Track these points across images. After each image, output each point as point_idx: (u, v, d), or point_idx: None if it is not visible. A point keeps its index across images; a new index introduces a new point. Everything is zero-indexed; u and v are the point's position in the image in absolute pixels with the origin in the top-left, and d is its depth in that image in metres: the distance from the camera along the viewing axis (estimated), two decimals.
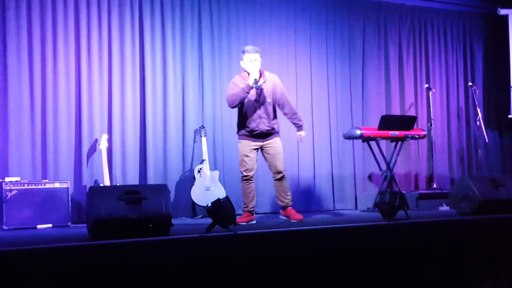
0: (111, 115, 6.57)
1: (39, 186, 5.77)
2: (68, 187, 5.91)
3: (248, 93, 5.41)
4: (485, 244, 4.61)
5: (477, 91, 8.32)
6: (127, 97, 6.64)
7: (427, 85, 8.18)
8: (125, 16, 6.69)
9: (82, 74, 6.45)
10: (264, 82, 5.56)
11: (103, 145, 6.25)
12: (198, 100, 7.06)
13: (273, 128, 5.63)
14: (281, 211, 5.86)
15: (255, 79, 5.41)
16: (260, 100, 5.54)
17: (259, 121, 5.54)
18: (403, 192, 5.72)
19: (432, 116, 7.96)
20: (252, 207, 5.65)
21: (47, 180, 5.98)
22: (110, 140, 6.46)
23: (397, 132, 6.86)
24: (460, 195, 5.59)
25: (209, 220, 4.40)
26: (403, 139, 6.97)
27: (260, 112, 5.54)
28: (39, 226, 5.64)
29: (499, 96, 8.95)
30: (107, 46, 6.60)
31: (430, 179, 8.20)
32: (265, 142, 5.62)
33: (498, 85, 8.96)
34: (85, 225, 4.57)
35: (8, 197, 5.57)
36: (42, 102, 6.25)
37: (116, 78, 6.60)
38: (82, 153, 6.39)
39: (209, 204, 4.41)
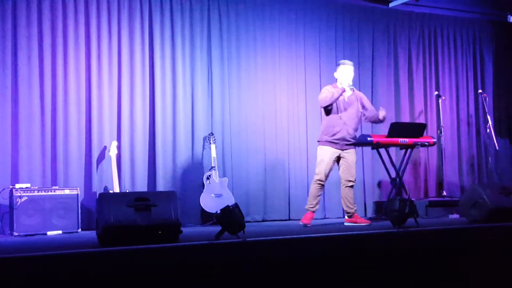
0: (120, 122, 6.59)
1: (49, 193, 5.79)
2: (78, 194, 5.93)
3: (341, 94, 5.89)
4: (495, 252, 4.58)
5: (487, 98, 8.28)
6: (136, 104, 6.66)
7: (436, 92, 8.15)
8: (135, 23, 6.72)
9: (92, 81, 6.48)
10: (353, 93, 6.06)
11: (112, 152, 6.27)
12: (207, 107, 7.07)
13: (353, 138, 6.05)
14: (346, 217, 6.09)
15: (349, 83, 5.97)
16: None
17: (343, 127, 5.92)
18: (412, 199, 5.71)
19: (442, 124, 7.93)
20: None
21: (57, 187, 6.00)
22: (119, 147, 6.49)
23: (406, 139, 6.84)
24: (470, 202, 5.56)
25: (218, 227, 4.40)
26: (412, 146, 6.95)
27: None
28: (49, 233, 5.66)
29: (510, 103, 8.91)
30: (117, 53, 6.63)
31: (440, 187, 8.16)
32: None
33: (508, 92, 8.92)
34: (94, 231, 4.57)
35: (18, 204, 5.59)
36: (52, 109, 6.29)
37: (125, 85, 6.63)
38: (91, 160, 6.41)
39: (218, 211, 4.41)
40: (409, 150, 7.03)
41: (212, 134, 6.91)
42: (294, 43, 7.66)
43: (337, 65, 6.20)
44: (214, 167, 6.72)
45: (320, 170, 5.94)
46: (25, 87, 6.17)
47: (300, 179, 7.42)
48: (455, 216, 6.72)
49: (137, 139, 6.63)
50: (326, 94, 5.92)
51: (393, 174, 6.97)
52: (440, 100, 8.01)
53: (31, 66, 6.21)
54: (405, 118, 8.19)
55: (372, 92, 8.06)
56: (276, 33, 7.55)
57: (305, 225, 5.83)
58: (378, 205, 7.41)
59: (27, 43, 6.20)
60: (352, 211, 5.99)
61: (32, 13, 6.24)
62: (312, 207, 5.93)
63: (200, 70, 7.06)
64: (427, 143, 7.02)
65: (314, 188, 5.97)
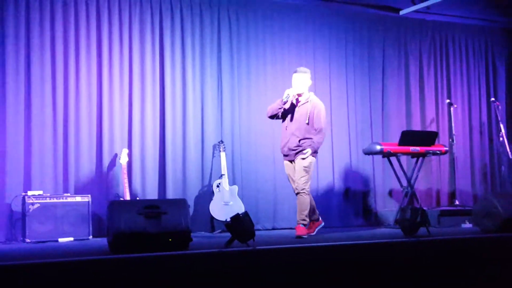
0: (131, 130, 6.62)
1: (61, 200, 5.82)
2: (89, 201, 5.96)
3: (281, 107, 5.80)
4: (509, 262, 4.53)
5: (499, 107, 8.22)
6: (147, 113, 6.69)
7: (448, 101, 8.11)
8: (146, 31, 6.76)
9: (103, 89, 6.52)
10: (306, 102, 5.82)
11: (123, 159, 6.30)
12: (217, 115, 7.08)
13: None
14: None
15: (288, 94, 5.75)
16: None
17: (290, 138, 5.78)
18: (424, 208, 5.67)
19: (454, 132, 7.88)
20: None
21: (69, 194, 6.03)
22: (130, 155, 6.51)
23: (418, 148, 6.81)
24: (483, 212, 5.52)
25: (228, 235, 4.40)
26: (424, 154, 6.92)
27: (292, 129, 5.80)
28: (60, 240, 5.68)
29: None
30: (128, 60, 6.67)
31: (452, 196, 8.10)
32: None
33: None
34: (105, 238, 4.59)
35: (30, 211, 5.62)
36: (64, 117, 6.33)
37: (136, 93, 6.66)
38: (102, 168, 6.44)
39: (228, 219, 4.41)
40: (420, 158, 6.99)
41: (222, 141, 6.92)
42: (303, 51, 7.66)
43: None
44: (224, 175, 6.72)
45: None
46: (37, 94, 6.21)
47: (311, 187, 7.39)
48: (468, 225, 6.67)
49: (147, 146, 6.65)
50: (270, 106, 5.96)
51: (404, 183, 6.94)
52: (452, 108, 7.97)
53: (44, 74, 6.25)
54: (417, 126, 8.16)
55: (382, 99, 8.03)
56: (285, 41, 7.56)
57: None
58: (389, 214, 7.37)
59: (39, 51, 6.24)
60: (300, 221, 5.73)
61: (45, 22, 6.28)
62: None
63: (210, 78, 7.07)
64: (438, 152, 6.98)
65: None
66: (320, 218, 6.00)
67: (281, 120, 5.94)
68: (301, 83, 5.84)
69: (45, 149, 6.19)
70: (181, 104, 6.89)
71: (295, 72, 5.91)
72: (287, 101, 5.75)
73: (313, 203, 5.90)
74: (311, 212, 5.80)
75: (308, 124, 5.73)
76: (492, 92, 8.75)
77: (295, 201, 7.13)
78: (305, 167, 5.66)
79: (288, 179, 5.97)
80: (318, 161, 7.45)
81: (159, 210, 4.26)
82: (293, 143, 5.74)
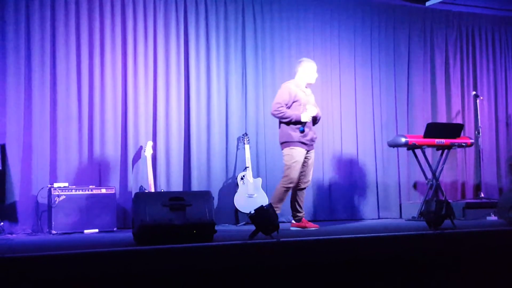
0: (156, 123, 6.66)
1: (86, 192, 5.89)
2: (114, 193, 6.01)
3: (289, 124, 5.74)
4: None
5: None
6: (171, 105, 6.72)
7: (474, 92, 8.02)
8: (170, 24, 6.78)
9: (128, 82, 6.57)
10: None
11: (148, 152, 6.34)
12: (242, 107, 7.09)
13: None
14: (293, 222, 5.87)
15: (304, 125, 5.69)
16: None
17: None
18: (449, 201, 5.62)
19: (479, 124, 7.79)
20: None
21: (94, 186, 6.09)
22: (154, 147, 6.55)
23: (443, 140, 6.74)
24: (508, 205, 5.46)
25: (252, 227, 4.41)
26: (449, 147, 6.85)
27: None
28: (86, 231, 5.75)
29: None
30: (153, 54, 6.70)
31: (477, 188, 8.02)
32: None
33: None
34: (130, 230, 4.64)
35: (56, 202, 5.70)
36: (89, 110, 6.39)
37: (161, 86, 6.69)
38: (127, 160, 6.49)
39: (252, 211, 4.42)
40: (445, 151, 6.92)
41: (246, 134, 6.93)
42: (328, 44, 7.62)
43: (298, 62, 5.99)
44: (248, 167, 6.74)
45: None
46: (63, 88, 6.28)
47: (334, 179, 7.38)
48: (493, 218, 6.59)
49: (172, 139, 6.69)
50: (287, 114, 5.66)
51: (429, 175, 6.88)
52: (478, 100, 7.88)
53: (69, 67, 6.31)
54: (442, 119, 8.07)
55: (408, 91, 7.97)
56: (310, 33, 7.53)
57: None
58: (413, 207, 7.31)
59: (65, 45, 6.30)
60: (301, 215, 5.77)
61: (70, 15, 6.34)
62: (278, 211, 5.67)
63: (235, 71, 7.08)
64: (464, 144, 6.90)
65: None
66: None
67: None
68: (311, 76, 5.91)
69: (71, 142, 6.26)
70: (205, 97, 6.91)
71: (304, 61, 5.90)
72: (303, 131, 5.66)
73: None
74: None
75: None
76: None
77: (319, 194, 7.14)
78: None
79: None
80: (342, 153, 7.45)
81: (184, 202, 4.28)
82: (313, 134, 5.78)
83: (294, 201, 5.78)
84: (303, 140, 5.68)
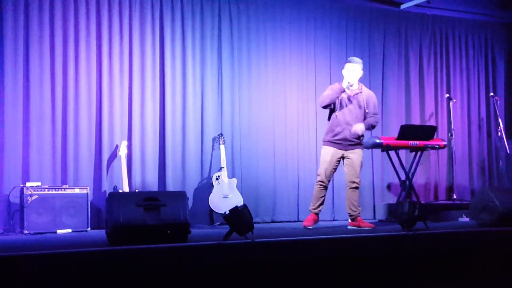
0: (131, 122, 6.62)
1: (59, 191, 5.83)
2: (87, 193, 5.96)
3: (339, 95, 5.77)
4: (505, 256, 4.55)
5: (498, 102, 8.23)
6: (147, 105, 6.68)
7: (447, 95, 8.12)
8: (146, 24, 6.74)
9: (103, 81, 6.51)
10: (360, 92, 5.88)
11: (122, 151, 6.30)
12: (217, 108, 7.08)
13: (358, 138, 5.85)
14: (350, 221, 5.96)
15: (348, 82, 5.76)
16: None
17: (345, 127, 5.78)
18: (422, 202, 5.68)
19: (452, 126, 7.89)
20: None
21: (67, 186, 6.04)
22: (129, 147, 6.51)
23: (416, 142, 6.81)
24: (480, 206, 5.54)
25: (226, 228, 4.41)
26: (422, 149, 6.92)
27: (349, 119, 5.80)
28: (58, 231, 5.69)
29: None
30: (128, 53, 6.66)
31: (450, 190, 8.12)
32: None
33: None
34: (104, 230, 4.60)
35: (28, 202, 5.63)
36: (63, 108, 6.32)
37: (136, 86, 6.65)
38: (102, 159, 6.44)
39: (227, 212, 4.42)
40: (419, 152, 7.00)
41: (221, 134, 6.92)
42: (304, 45, 7.65)
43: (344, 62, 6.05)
44: (223, 167, 6.73)
45: (321, 171, 5.86)
46: (36, 86, 6.20)
47: (310, 181, 7.39)
48: (465, 219, 6.68)
49: (147, 139, 6.65)
50: (325, 94, 5.86)
51: (403, 177, 6.95)
52: (451, 103, 7.98)
53: (43, 66, 6.24)
54: (416, 121, 8.16)
55: (382, 94, 8.03)
56: (286, 34, 7.55)
57: (305, 227, 5.73)
58: (387, 208, 7.38)
59: (38, 43, 6.23)
60: (355, 214, 5.85)
61: (44, 14, 6.26)
62: (314, 209, 5.83)
63: (210, 71, 7.07)
64: (437, 146, 6.99)
65: (316, 189, 5.87)
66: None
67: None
68: (356, 73, 5.88)
69: (44, 141, 6.19)
70: (181, 97, 6.88)
71: (349, 62, 5.92)
72: (348, 88, 5.77)
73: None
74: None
75: (367, 113, 5.85)
76: (491, 87, 8.75)
77: (294, 194, 7.14)
78: (361, 162, 5.89)
79: (318, 166, 5.98)
80: (317, 154, 7.48)
81: (158, 203, 4.26)
82: (348, 134, 5.78)
83: (347, 201, 5.91)
84: (333, 139, 5.80)
